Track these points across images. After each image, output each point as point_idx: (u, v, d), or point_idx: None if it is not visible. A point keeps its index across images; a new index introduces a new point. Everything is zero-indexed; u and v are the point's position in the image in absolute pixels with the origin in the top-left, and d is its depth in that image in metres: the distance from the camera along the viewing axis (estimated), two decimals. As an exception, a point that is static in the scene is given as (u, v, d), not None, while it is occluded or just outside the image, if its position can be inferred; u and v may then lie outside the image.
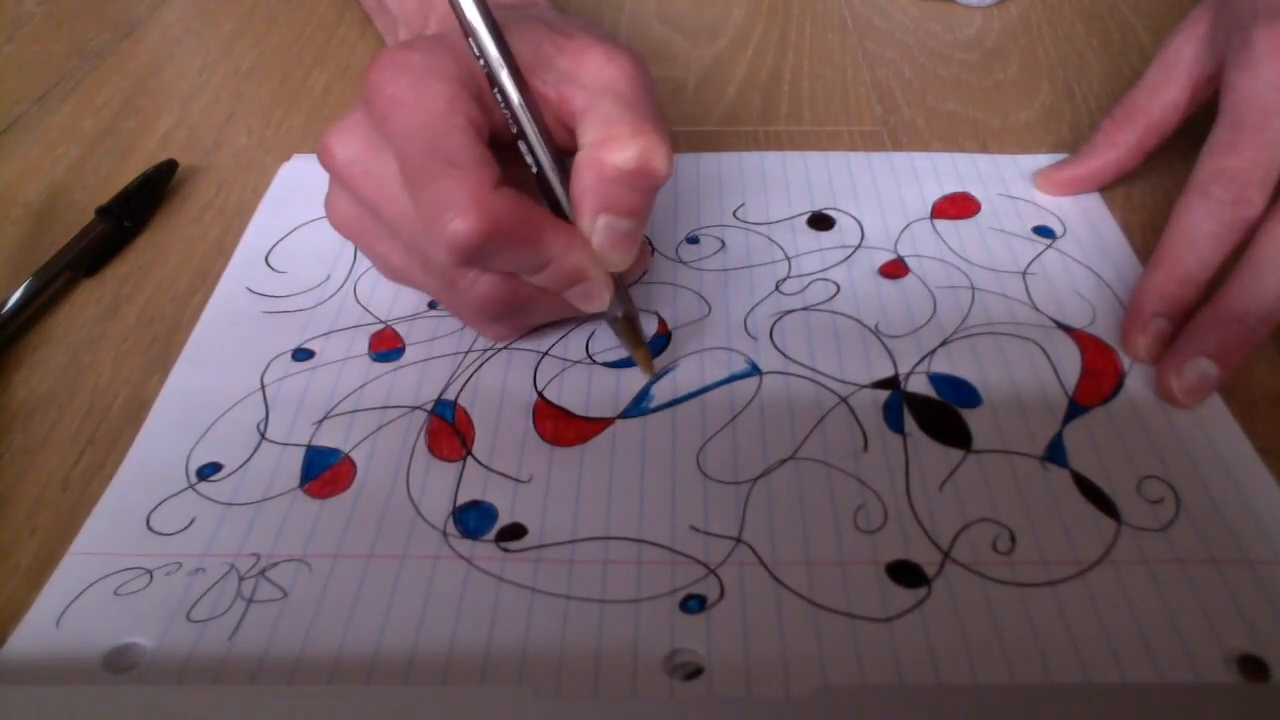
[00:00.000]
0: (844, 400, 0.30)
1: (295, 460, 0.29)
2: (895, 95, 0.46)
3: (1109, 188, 0.39)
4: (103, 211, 0.37)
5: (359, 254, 0.36)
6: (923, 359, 0.32)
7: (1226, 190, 0.31)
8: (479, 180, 0.26)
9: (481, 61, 0.27)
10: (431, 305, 0.34)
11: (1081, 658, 0.24)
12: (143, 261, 0.37)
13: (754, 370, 0.31)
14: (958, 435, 0.29)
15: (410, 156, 0.26)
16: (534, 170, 0.28)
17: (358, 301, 0.35)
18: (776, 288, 0.35)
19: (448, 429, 0.30)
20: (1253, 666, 0.23)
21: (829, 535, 0.26)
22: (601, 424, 0.30)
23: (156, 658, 0.24)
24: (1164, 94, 0.37)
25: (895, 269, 0.35)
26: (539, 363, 0.32)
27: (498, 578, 0.26)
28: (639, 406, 0.30)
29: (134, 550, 0.27)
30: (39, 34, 0.53)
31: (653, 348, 0.32)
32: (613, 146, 0.27)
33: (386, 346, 0.33)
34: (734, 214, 0.38)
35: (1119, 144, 0.37)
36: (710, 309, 0.34)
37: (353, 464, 0.29)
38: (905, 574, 0.25)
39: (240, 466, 0.29)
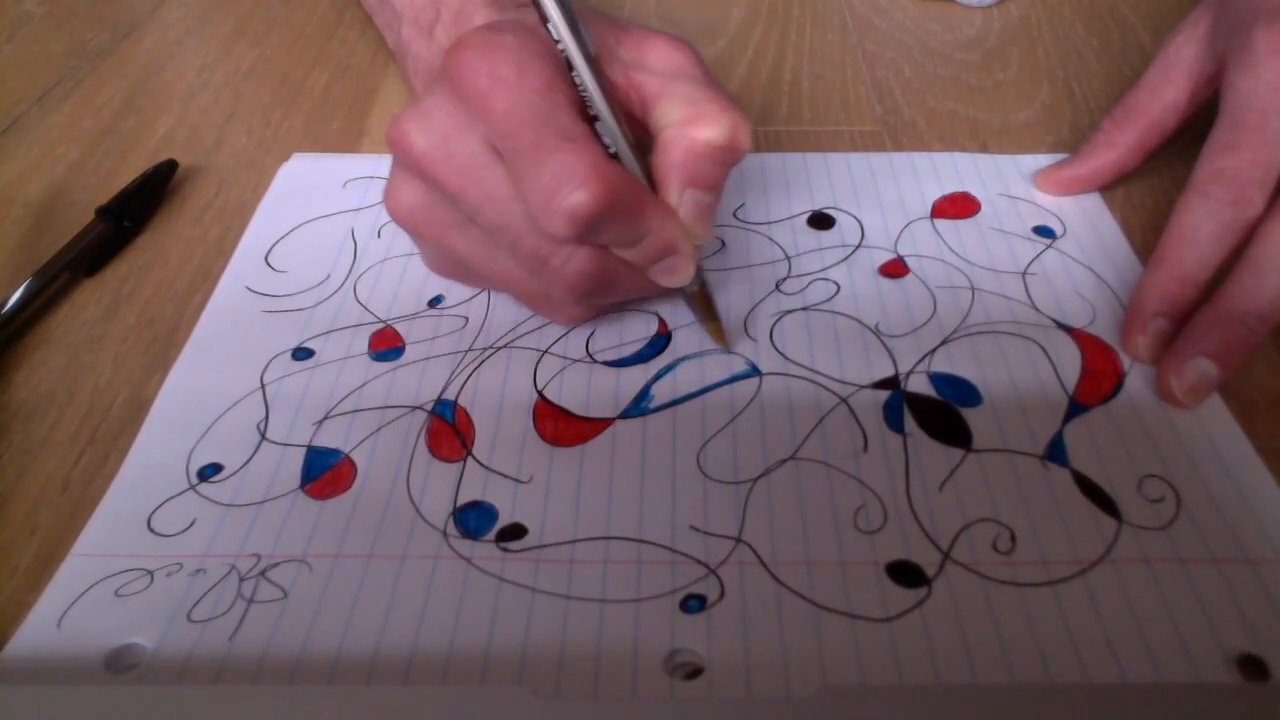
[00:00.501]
0: (844, 400, 0.30)
1: (296, 461, 0.29)
2: (895, 95, 0.46)
3: (1109, 188, 0.39)
4: (103, 211, 0.37)
5: (359, 253, 0.37)
6: (923, 358, 0.32)
7: (1226, 190, 0.31)
8: (596, 152, 0.26)
9: (560, 46, 0.28)
10: (431, 304, 0.34)
11: (1081, 658, 0.24)
12: (143, 261, 0.37)
13: (754, 371, 0.31)
14: (958, 435, 0.29)
15: (518, 134, 0.27)
16: (610, 151, 0.29)
17: (358, 301, 0.35)
18: (776, 287, 0.35)
19: (448, 429, 0.30)
20: (1253, 666, 0.23)
21: (829, 535, 0.26)
22: (602, 424, 0.30)
23: (157, 658, 0.24)
24: (1164, 94, 0.37)
25: (895, 269, 0.35)
26: (539, 361, 0.32)
27: (498, 578, 0.26)
28: (639, 406, 0.30)
29: (135, 551, 0.27)
30: (39, 34, 0.53)
31: (653, 348, 0.32)
32: (702, 124, 0.28)
33: (386, 345, 0.33)
34: (734, 214, 0.38)
35: (1119, 144, 0.37)
36: (710, 309, 0.34)
37: (353, 465, 0.29)
38: (905, 574, 0.25)
39: (241, 468, 0.29)
